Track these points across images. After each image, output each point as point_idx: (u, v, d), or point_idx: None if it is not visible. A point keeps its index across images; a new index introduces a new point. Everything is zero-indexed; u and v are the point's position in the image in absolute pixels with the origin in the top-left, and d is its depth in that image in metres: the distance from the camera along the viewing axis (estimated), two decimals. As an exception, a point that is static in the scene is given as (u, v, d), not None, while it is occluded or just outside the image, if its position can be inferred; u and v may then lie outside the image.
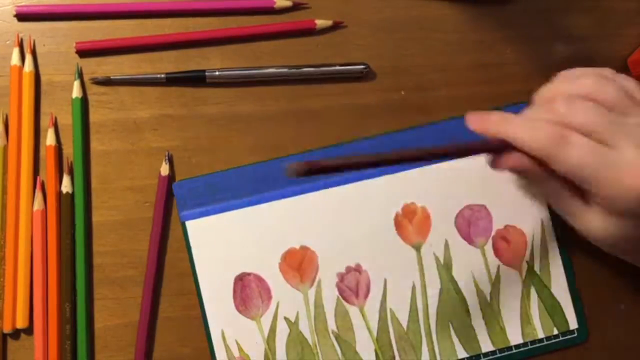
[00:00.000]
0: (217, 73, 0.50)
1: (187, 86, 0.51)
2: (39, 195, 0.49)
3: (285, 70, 0.51)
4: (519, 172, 0.44)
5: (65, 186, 0.49)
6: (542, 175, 0.42)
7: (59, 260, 0.49)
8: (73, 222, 0.49)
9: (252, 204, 0.50)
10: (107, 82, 0.50)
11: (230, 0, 0.51)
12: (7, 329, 0.48)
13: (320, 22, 0.51)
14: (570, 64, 0.52)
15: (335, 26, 0.51)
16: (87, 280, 0.49)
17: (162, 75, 0.50)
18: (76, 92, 0.49)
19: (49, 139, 0.49)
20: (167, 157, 0.50)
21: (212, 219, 0.49)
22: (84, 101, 0.50)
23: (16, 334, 0.49)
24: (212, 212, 0.50)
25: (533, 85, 0.52)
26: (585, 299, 0.51)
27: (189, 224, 0.49)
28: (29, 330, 0.49)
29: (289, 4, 0.51)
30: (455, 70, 0.52)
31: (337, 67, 0.51)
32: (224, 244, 0.49)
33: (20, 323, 0.48)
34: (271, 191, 0.50)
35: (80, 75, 0.50)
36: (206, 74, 0.50)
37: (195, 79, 0.50)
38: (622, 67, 0.52)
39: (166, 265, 0.50)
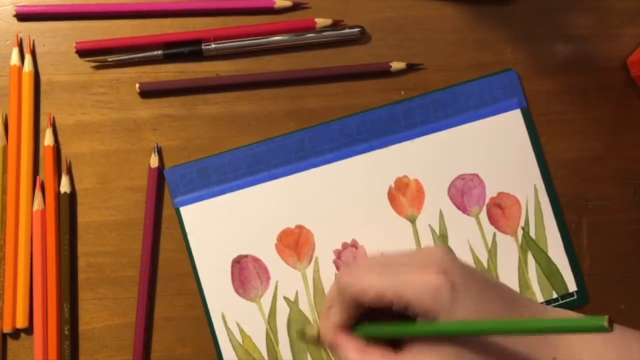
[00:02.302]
0: (213, 46, 0.50)
1: (185, 62, 0.51)
2: (38, 195, 0.49)
3: (285, 37, 0.51)
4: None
5: (64, 186, 0.49)
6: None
7: (58, 260, 0.49)
8: (72, 221, 0.49)
9: (244, 186, 0.50)
10: (104, 65, 0.50)
11: (230, 0, 0.51)
12: (7, 328, 0.48)
13: (320, 22, 0.51)
14: (570, 63, 0.52)
15: (335, 26, 0.51)
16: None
17: (159, 52, 0.50)
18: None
19: (47, 139, 0.49)
20: (155, 149, 0.50)
21: (206, 203, 0.50)
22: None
23: (16, 333, 0.49)
24: (205, 196, 0.50)
25: (533, 85, 0.52)
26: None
27: (183, 210, 0.50)
28: (29, 330, 0.49)
29: (289, 3, 0.51)
30: (455, 70, 0.52)
31: (335, 32, 0.51)
32: (219, 227, 0.50)
33: (20, 323, 0.48)
34: (263, 172, 0.50)
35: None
36: (202, 47, 0.50)
37: (192, 53, 0.50)
38: (622, 67, 0.52)
39: (165, 266, 0.50)
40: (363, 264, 0.43)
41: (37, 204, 0.49)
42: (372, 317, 0.43)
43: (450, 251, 0.41)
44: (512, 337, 0.39)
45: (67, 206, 0.49)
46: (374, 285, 0.40)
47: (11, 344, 0.49)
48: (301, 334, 0.49)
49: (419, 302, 0.38)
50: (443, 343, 0.38)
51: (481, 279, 0.41)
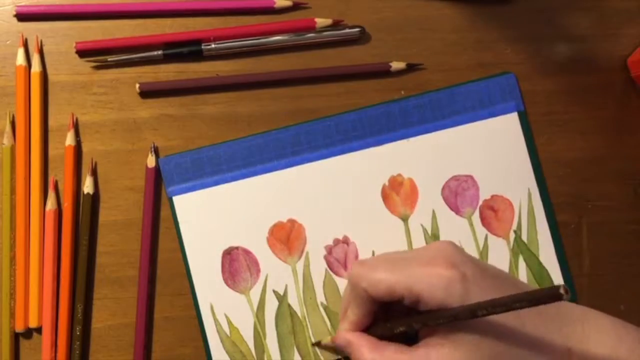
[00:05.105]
0: (213, 45, 0.50)
1: (184, 62, 0.51)
2: (52, 195, 0.49)
3: (285, 37, 0.51)
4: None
5: (87, 187, 0.49)
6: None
7: (73, 260, 0.49)
8: (93, 222, 0.49)
9: (238, 178, 0.50)
10: (104, 65, 0.50)
11: (230, 0, 0.51)
12: (19, 328, 0.48)
13: (320, 22, 0.51)
14: (570, 63, 0.52)
15: (335, 26, 0.51)
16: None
17: (159, 52, 0.50)
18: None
19: (69, 139, 0.49)
20: (152, 149, 0.50)
21: (199, 193, 0.50)
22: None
23: (28, 333, 0.49)
24: (199, 187, 0.50)
25: (533, 85, 0.52)
26: (585, 300, 0.51)
27: (176, 199, 0.50)
28: (41, 330, 0.49)
29: (289, 3, 0.51)
30: (455, 70, 0.52)
31: (335, 32, 0.51)
32: (211, 218, 0.50)
33: (32, 322, 0.48)
34: (258, 165, 0.50)
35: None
36: (202, 47, 0.50)
37: (192, 53, 0.50)
38: (622, 67, 0.52)
39: (164, 266, 0.50)
40: (373, 259, 0.44)
41: (51, 204, 0.49)
42: (387, 318, 0.43)
43: (457, 245, 0.42)
44: (529, 324, 0.39)
45: (89, 207, 0.49)
46: (384, 279, 0.41)
47: (23, 343, 0.49)
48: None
49: (430, 294, 0.39)
50: (459, 333, 0.39)
51: (490, 270, 0.42)
